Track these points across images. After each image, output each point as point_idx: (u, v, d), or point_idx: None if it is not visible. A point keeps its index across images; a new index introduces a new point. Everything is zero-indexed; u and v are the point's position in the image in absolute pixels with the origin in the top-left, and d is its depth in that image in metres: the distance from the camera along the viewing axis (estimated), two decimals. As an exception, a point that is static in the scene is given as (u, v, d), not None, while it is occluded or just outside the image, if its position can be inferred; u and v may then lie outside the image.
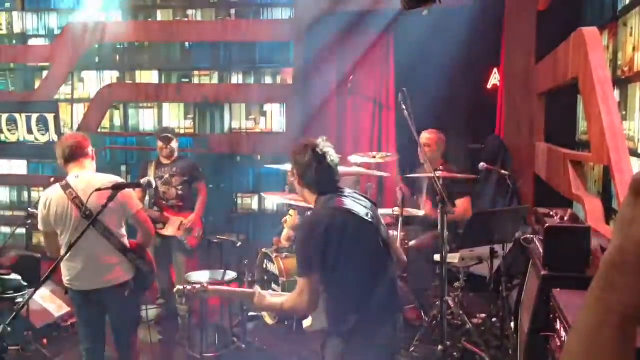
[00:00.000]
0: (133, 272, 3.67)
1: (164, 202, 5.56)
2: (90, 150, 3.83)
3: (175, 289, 2.78)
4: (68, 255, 3.16)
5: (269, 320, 5.07)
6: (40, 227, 3.64)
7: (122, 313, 3.75)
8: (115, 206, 3.38)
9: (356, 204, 2.76)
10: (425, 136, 5.23)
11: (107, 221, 3.53)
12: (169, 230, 5.54)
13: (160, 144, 5.59)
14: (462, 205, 5.10)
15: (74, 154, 3.69)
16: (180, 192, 5.57)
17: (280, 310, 2.74)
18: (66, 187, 3.55)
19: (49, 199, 3.55)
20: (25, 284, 3.16)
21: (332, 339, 2.74)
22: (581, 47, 4.13)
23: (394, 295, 2.84)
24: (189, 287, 2.74)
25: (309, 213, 2.79)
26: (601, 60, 3.97)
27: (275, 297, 2.82)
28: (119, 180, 3.73)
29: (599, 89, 3.81)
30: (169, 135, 5.59)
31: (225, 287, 2.86)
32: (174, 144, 5.58)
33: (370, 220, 2.76)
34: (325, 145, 2.82)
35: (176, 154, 5.61)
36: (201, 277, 4.80)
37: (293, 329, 4.76)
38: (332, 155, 2.82)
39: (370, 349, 2.70)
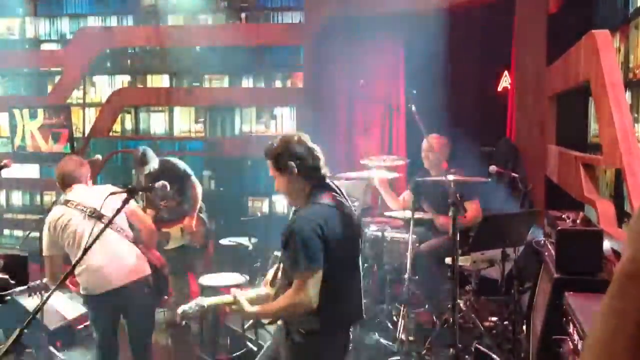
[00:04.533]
0: (149, 268, 3.76)
1: (160, 221, 5.47)
2: (85, 176, 3.90)
3: (180, 313, 2.73)
4: (87, 260, 3.28)
5: (280, 323, 5.08)
6: (44, 252, 3.68)
7: (140, 314, 3.79)
8: (114, 201, 3.47)
9: (344, 199, 2.79)
10: (427, 141, 5.22)
11: (118, 219, 3.62)
12: (172, 243, 5.52)
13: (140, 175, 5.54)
14: (472, 208, 5.09)
15: (66, 181, 3.80)
16: (179, 199, 5.52)
17: (277, 312, 2.67)
18: (66, 202, 3.68)
19: (55, 218, 3.63)
20: (13, 282, 3.19)
21: (293, 335, 2.72)
22: (593, 49, 4.12)
23: (360, 305, 2.85)
24: (189, 309, 2.70)
25: (306, 208, 2.69)
26: (613, 62, 3.96)
27: (261, 304, 2.76)
28: (115, 189, 3.77)
29: (611, 92, 3.80)
30: (143, 170, 5.33)
31: (220, 301, 2.79)
32: (149, 167, 5.33)
33: (356, 218, 2.83)
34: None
35: (157, 167, 5.38)
36: (215, 280, 4.82)
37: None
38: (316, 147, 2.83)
39: (326, 353, 2.73)
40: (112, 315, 3.73)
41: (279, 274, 2.85)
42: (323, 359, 2.74)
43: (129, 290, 3.63)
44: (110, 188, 3.77)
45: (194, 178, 5.49)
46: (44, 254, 3.69)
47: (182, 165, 5.50)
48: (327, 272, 2.58)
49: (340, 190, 2.81)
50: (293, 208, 2.97)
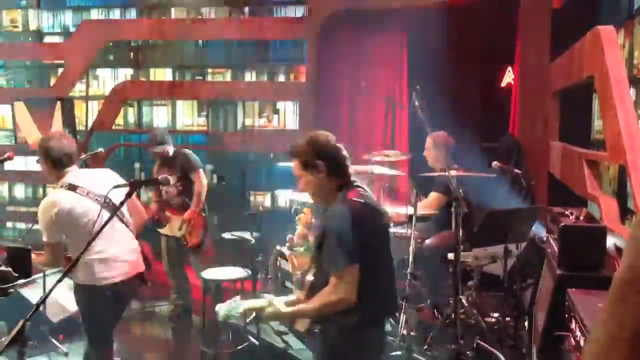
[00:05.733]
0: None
1: (167, 203, 5.54)
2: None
3: (222, 315, 2.74)
4: (99, 250, 3.27)
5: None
6: (48, 239, 3.40)
7: (124, 306, 3.75)
8: (118, 190, 3.41)
9: (370, 199, 2.79)
10: (430, 139, 5.20)
11: (125, 211, 3.59)
12: (166, 230, 5.54)
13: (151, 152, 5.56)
14: (430, 199, 5.09)
15: (66, 162, 3.53)
16: (179, 188, 5.52)
17: (316, 311, 2.65)
18: (72, 188, 3.44)
19: (68, 206, 3.38)
20: (16, 275, 3.15)
21: (330, 332, 2.72)
22: (597, 45, 4.10)
23: (394, 299, 2.89)
24: (233, 314, 2.73)
25: (337, 206, 2.69)
26: (617, 59, 3.95)
27: (298, 304, 2.75)
28: (113, 174, 3.73)
29: (615, 88, 3.79)
30: (154, 149, 5.50)
31: (250, 305, 2.79)
32: (161, 148, 5.46)
33: (384, 213, 2.84)
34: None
35: (171, 153, 5.53)
36: (216, 274, 4.82)
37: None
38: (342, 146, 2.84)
39: (363, 348, 2.72)
40: (114, 309, 3.64)
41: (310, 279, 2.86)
42: (359, 356, 2.74)
43: (131, 284, 3.59)
44: (109, 173, 3.73)
45: (201, 172, 5.51)
46: (47, 241, 3.40)
47: (193, 157, 5.55)
48: (362, 268, 2.59)
49: (365, 188, 2.81)
50: (319, 208, 2.97)
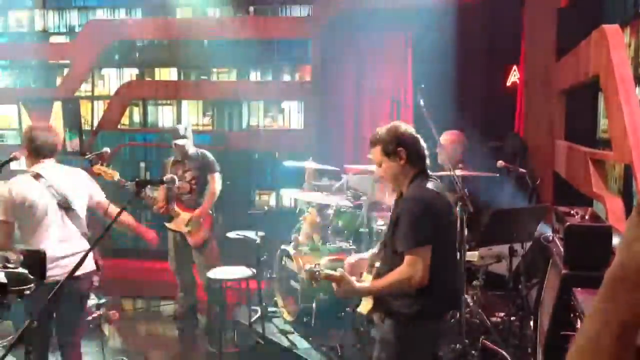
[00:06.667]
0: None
1: (178, 197, 5.58)
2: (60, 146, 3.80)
3: (307, 271, 2.86)
4: (52, 245, 3.32)
5: (287, 317, 5.10)
6: (1, 216, 3.42)
7: (75, 308, 3.69)
8: (84, 194, 3.59)
9: (443, 190, 2.89)
10: (442, 137, 5.20)
11: (79, 210, 3.60)
12: (173, 225, 5.56)
13: (173, 144, 5.60)
14: None
15: (42, 152, 3.59)
16: (193, 187, 5.57)
17: (388, 287, 2.71)
18: (36, 176, 3.51)
19: (24, 191, 3.43)
20: (32, 277, 3.19)
21: (393, 320, 2.80)
22: (603, 44, 4.10)
23: (459, 293, 2.99)
24: (317, 271, 2.84)
25: (414, 191, 2.81)
26: (623, 58, 3.94)
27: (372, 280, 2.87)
28: (88, 177, 3.79)
29: (621, 87, 3.78)
30: (177, 141, 5.53)
31: (331, 274, 2.87)
32: (183, 142, 5.53)
33: (453, 210, 3.01)
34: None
35: (191, 151, 5.59)
36: (220, 273, 4.83)
37: (311, 325, 4.78)
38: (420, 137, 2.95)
39: (427, 338, 2.82)
40: (51, 307, 3.51)
41: (376, 262, 2.94)
42: (417, 345, 2.79)
43: (76, 284, 3.50)
44: (83, 175, 3.76)
45: (218, 175, 5.57)
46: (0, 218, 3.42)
47: (210, 159, 5.62)
48: (433, 254, 2.66)
49: (439, 181, 2.92)
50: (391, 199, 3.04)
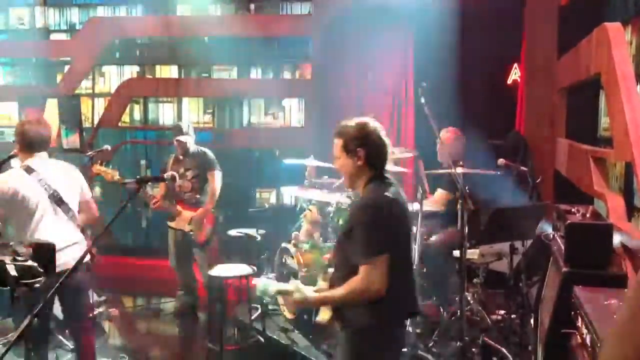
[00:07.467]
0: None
1: (179, 196, 5.58)
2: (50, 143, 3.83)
3: (259, 291, 2.82)
4: (45, 238, 3.30)
5: (287, 315, 5.10)
6: None
7: (75, 295, 3.73)
8: (76, 188, 3.63)
9: (400, 195, 2.77)
10: (442, 134, 5.19)
11: (70, 203, 3.64)
12: (175, 223, 5.56)
13: (175, 141, 5.60)
14: (439, 196, 5.10)
15: (34, 147, 3.63)
16: (194, 185, 5.58)
17: (343, 298, 2.62)
18: (27, 169, 3.55)
19: (15, 185, 3.49)
20: (42, 270, 3.21)
21: (350, 331, 2.71)
22: (604, 42, 4.09)
23: (415, 296, 2.84)
24: (266, 293, 2.81)
25: (367, 195, 2.71)
26: (624, 55, 3.93)
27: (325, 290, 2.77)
28: (78, 173, 3.82)
29: (622, 85, 3.78)
30: (179, 137, 5.55)
31: (281, 287, 2.82)
32: (186, 139, 5.55)
33: (409, 212, 2.85)
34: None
35: (192, 149, 5.60)
36: (222, 271, 4.83)
37: (312, 323, 4.78)
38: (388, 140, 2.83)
39: (386, 346, 2.69)
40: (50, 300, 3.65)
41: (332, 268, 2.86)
42: (377, 354, 2.69)
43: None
44: (73, 170, 3.80)
45: (217, 173, 5.59)
46: None
47: (211, 156, 5.64)
48: (390, 263, 2.58)
49: (397, 185, 2.81)
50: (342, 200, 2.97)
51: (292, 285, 2.75)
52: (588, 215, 3.30)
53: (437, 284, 5.05)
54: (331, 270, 2.91)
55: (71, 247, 3.61)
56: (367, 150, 2.70)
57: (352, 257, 2.64)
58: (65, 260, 3.52)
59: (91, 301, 4.04)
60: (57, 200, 3.57)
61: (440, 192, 5.10)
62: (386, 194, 2.66)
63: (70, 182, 3.69)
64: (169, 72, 7.96)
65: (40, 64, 8.28)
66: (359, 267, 2.57)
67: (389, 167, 4.99)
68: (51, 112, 7.13)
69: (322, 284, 2.84)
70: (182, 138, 5.50)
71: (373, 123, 2.80)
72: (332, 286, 2.74)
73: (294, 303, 2.72)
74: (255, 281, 2.84)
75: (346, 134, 2.75)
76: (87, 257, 3.68)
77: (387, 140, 2.79)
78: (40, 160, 3.64)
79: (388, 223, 2.61)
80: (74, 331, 3.85)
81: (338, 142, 2.76)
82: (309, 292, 2.72)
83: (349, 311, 2.67)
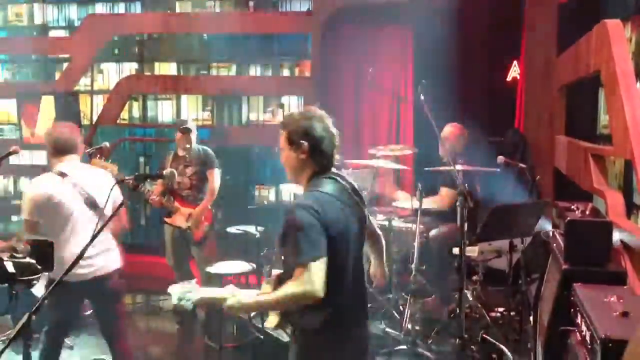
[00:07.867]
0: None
1: (178, 193, 5.57)
2: (81, 146, 3.82)
3: (174, 303, 2.63)
4: (80, 244, 3.20)
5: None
6: (23, 215, 3.54)
7: (109, 302, 3.78)
8: (113, 195, 3.49)
9: (351, 191, 2.63)
10: (445, 129, 5.19)
11: (106, 209, 3.57)
12: (172, 220, 5.56)
13: (178, 135, 5.59)
14: (446, 195, 5.11)
15: (60, 148, 3.65)
16: (194, 182, 5.57)
17: (278, 302, 2.46)
18: (61, 174, 3.55)
19: (50, 192, 3.48)
20: (40, 267, 3.22)
21: (299, 334, 2.62)
22: (604, 39, 4.08)
23: (365, 298, 2.70)
24: (182, 303, 2.60)
25: (305, 194, 2.55)
26: (624, 53, 3.93)
27: (262, 294, 2.57)
28: (110, 178, 3.80)
29: (622, 82, 3.77)
30: (189, 127, 5.58)
31: (208, 295, 2.69)
32: (192, 136, 5.57)
33: (357, 212, 2.63)
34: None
35: (194, 146, 5.60)
36: (221, 268, 4.83)
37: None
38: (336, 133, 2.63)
39: (334, 353, 2.57)
40: (77, 305, 3.75)
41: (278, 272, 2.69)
42: (328, 356, 2.58)
43: (104, 282, 3.63)
44: (107, 175, 3.82)
45: (217, 171, 5.59)
46: (26, 218, 3.52)
47: (211, 155, 5.64)
48: (328, 264, 2.41)
49: (348, 181, 2.64)
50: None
51: (227, 291, 2.57)
52: (587, 213, 3.31)
53: (437, 281, 5.06)
54: (275, 272, 2.74)
55: (105, 253, 3.63)
56: (311, 143, 2.53)
57: (288, 260, 2.50)
58: (98, 266, 3.58)
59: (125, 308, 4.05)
60: (92, 205, 3.55)
61: (445, 191, 5.09)
62: (323, 191, 2.51)
63: (104, 187, 3.58)
64: (168, 69, 7.94)
65: (38, 60, 8.27)
66: (294, 270, 2.42)
67: (381, 162, 5.00)
68: (46, 109, 7.11)
69: (266, 287, 2.64)
70: (190, 125, 5.54)
71: (320, 114, 2.61)
72: (278, 287, 2.54)
73: (228, 309, 2.51)
74: (170, 289, 2.65)
75: (290, 125, 2.59)
76: (120, 264, 3.75)
77: (334, 131, 2.60)
78: (72, 165, 3.64)
79: (322, 224, 2.41)
80: (109, 338, 3.84)
81: (283, 135, 2.60)
82: (245, 296, 2.53)
83: (296, 314, 2.53)
